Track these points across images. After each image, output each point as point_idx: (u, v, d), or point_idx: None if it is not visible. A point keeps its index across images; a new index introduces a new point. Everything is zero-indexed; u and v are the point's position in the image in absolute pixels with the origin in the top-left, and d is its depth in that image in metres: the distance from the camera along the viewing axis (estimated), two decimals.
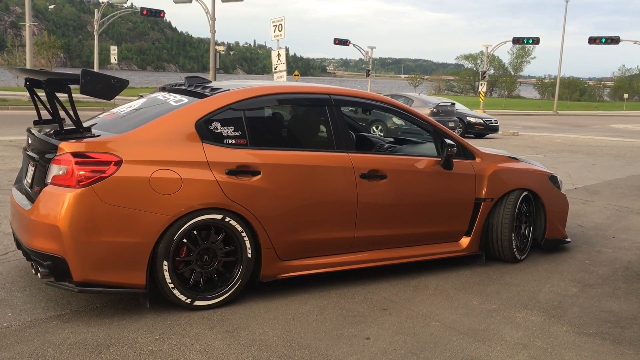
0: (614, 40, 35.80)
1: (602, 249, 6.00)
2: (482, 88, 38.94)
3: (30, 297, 4.01)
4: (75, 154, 3.58)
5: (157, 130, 3.87)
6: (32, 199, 3.88)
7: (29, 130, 4.33)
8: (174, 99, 4.26)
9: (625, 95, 71.03)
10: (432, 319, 3.97)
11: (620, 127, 32.43)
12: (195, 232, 3.85)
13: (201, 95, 4.18)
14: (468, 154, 5.14)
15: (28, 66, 24.59)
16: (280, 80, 17.53)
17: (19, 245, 4.16)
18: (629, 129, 30.91)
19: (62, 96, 3.82)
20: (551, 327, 3.95)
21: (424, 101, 19.92)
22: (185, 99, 4.19)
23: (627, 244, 6.28)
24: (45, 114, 4.27)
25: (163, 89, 4.76)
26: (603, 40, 36.09)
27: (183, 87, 4.52)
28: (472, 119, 21.44)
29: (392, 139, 5.91)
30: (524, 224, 5.47)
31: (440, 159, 4.89)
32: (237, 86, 4.37)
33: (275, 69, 18.40)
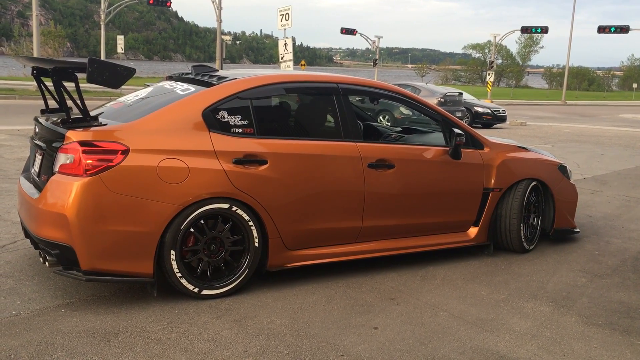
0: (624, 30, 35.46)
1: (611, 240, 5.96)
2: (490, 78, 38.69)
3: (39, 286, 4.02)
4: (82, 143, 3.57)
5: (164, 119, 3.86)
6: (39, 188, 3.88)
7: (36, 119, 4.32)
8: (180, 87, 4.24)
9: (635, 85, 70.28)
10: (440, 309, 3.96)
11: (629, 117, 32.17)
12: (202, 222, 3.84)
13: (208, 84, 4.16)
14: (476, 143, 5.10)
15: (35, 56, 24.62)
16: (287, 69, 17.47)
17: (27, 234, 4.17)
18: (638, 119, 30.65)
19: (69, 85, 3.81)
20: (560, 317, 3.93)
21: (431, 91, 19.81)
22: (192, 88, 4.17)
23: (636, 234, 6.23)
24: (52, 103, 4.27)
25: (170, 78, 4.75)
26: (612, 29, 35.75)
27: (190, 76, 4.50)
28: (479, 109, 21.32)
29: (399, 129, 5.88)
30: (532, 214, 5.43)
31: (448, 149, 4.85)
32: (244, 75, 4.35)
33: (282, 58, 18.34)
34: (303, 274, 4.41)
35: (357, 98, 7.60)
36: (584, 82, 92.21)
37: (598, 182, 9.55)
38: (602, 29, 36.01)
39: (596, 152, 14.03)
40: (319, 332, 3.51)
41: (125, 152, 3.60)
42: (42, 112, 4.43)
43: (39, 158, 4.09)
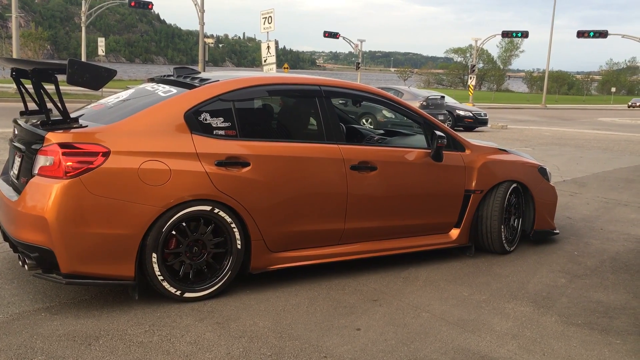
0: (602, 34, 36.03)
1: (590, 241, 6.04)
2: (472, 81, 39.07)
3: (18, 290, 3.97)
4: (62, 145, 3.53)
5: (146, 121, 3.83)
6: (18, 190, 3.83)
7: (15, 121, 4.27)
8: (162, 89, 4.22)
9: (613, 89, 71.48)
10: (422, 310, 3.98)
11: (608, 121, 32.66)
12: (184, 224, 3.82)
13: (190, 86, 4.15)
14: (458, 145, 5.14)
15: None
16: (270, 72, 17.44)
17: (5, 237, 4.11)
18: (617, 123, 31.14)
19: (49, 87, 3.78)
20: (540, 317, 3.97)
21: (413, 94, 19.94)
22: (174, 90, 4.15)
23: (614, 235, 6.33)
24: (32, 105, 4.22)
25: (152, 80, 4.72)
26: (591, 34, 36.29)
27: (172, 78, 4.48)
28: (461, 112, 21.50)
29: (382, 131, 5.91)
30: (513, 216, 5.49)
31: (430, 151, 4.89)
32: (226, 77, 4.34)
33: (264, 61, 18.31)
34: (286, 276, 4.41)
35: (340, 100, 7.63)
36: (564, 86, 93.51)
37: (577, 184, 9.68)
38: (581, 34, 36.52)
39: (576, 154, 14.22)
40: (302, 334, 3.51)
41: (106, 154, 3.57)
42: (22, 114, 4.38)
43: (18, 160, 4.04)
